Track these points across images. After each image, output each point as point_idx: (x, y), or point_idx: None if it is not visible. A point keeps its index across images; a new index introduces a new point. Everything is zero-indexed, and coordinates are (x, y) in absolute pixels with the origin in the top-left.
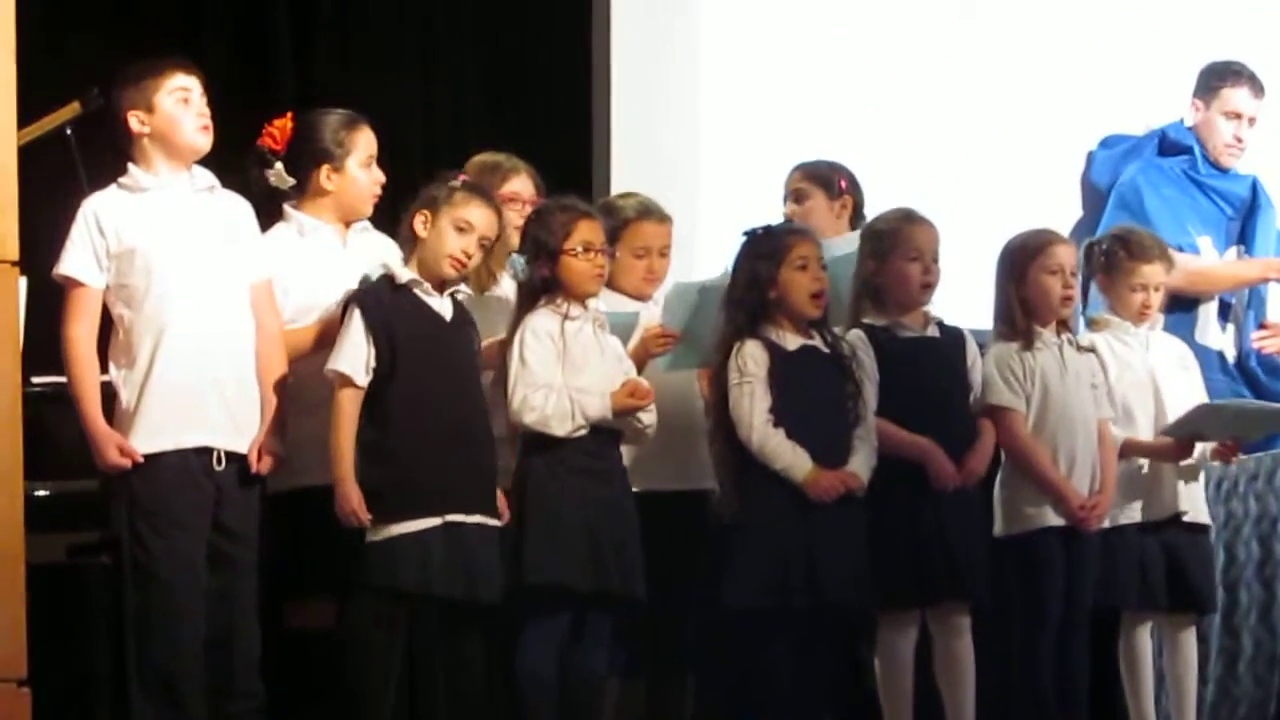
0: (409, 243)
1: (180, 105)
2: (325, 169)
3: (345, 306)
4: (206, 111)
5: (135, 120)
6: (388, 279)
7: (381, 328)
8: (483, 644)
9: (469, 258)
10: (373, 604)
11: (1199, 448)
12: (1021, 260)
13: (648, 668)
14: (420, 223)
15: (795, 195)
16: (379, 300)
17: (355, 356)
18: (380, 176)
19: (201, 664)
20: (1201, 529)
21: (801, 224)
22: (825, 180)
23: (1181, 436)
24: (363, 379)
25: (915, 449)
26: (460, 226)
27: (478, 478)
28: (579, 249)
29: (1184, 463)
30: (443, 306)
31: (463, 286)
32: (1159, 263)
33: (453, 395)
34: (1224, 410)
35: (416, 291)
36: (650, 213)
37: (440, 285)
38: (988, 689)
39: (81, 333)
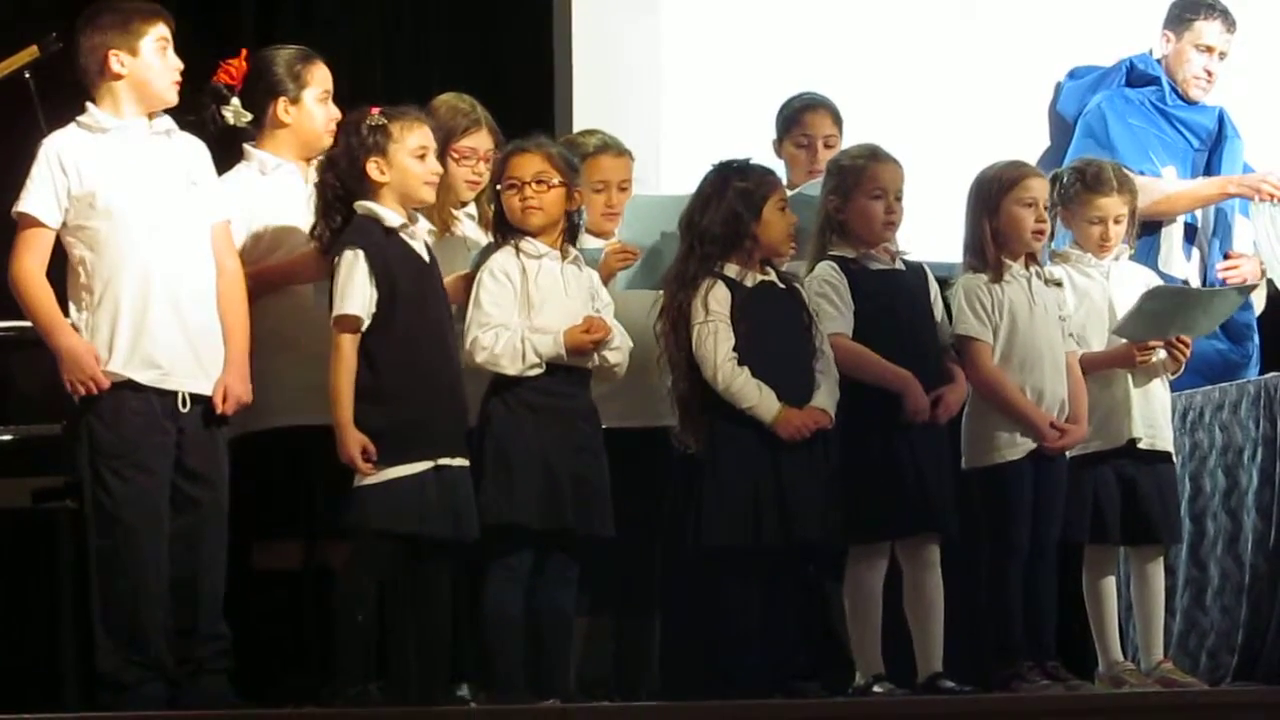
0: (363, 191)
1: (160, 55)
2: (282, 102)
3: (339, 251)
4: (180, 65)
5: (116, 61)
6: (377, 223)
7: (383, 272)
8: (450, 579)
9: (438, 174)
10: (373, 547)
11: (1155, 354)
12: (995, 192)
13: (615, 606)
14: (376, 170)
15: (828, 141)
16: (378, 244)
17: (362, 300)
18: (335, 113)
19: (166, 607)
20: (1162, 457)
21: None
22: (841, 122)
23: (1132, 338)
24: (366, 323)
25: (895, 380)
26: (419, 155)
27: (457, 420)
28: (501, 186)
29: (1140, 359)
30: (422, 249)
31: (426, 224)
32: (1117, 195)
33: (435, 339)
34: (1166, 296)
35: (403, 235)
36: (608, 147)
37: (412, 220)
38: (956, 621)
39: (33, 265)
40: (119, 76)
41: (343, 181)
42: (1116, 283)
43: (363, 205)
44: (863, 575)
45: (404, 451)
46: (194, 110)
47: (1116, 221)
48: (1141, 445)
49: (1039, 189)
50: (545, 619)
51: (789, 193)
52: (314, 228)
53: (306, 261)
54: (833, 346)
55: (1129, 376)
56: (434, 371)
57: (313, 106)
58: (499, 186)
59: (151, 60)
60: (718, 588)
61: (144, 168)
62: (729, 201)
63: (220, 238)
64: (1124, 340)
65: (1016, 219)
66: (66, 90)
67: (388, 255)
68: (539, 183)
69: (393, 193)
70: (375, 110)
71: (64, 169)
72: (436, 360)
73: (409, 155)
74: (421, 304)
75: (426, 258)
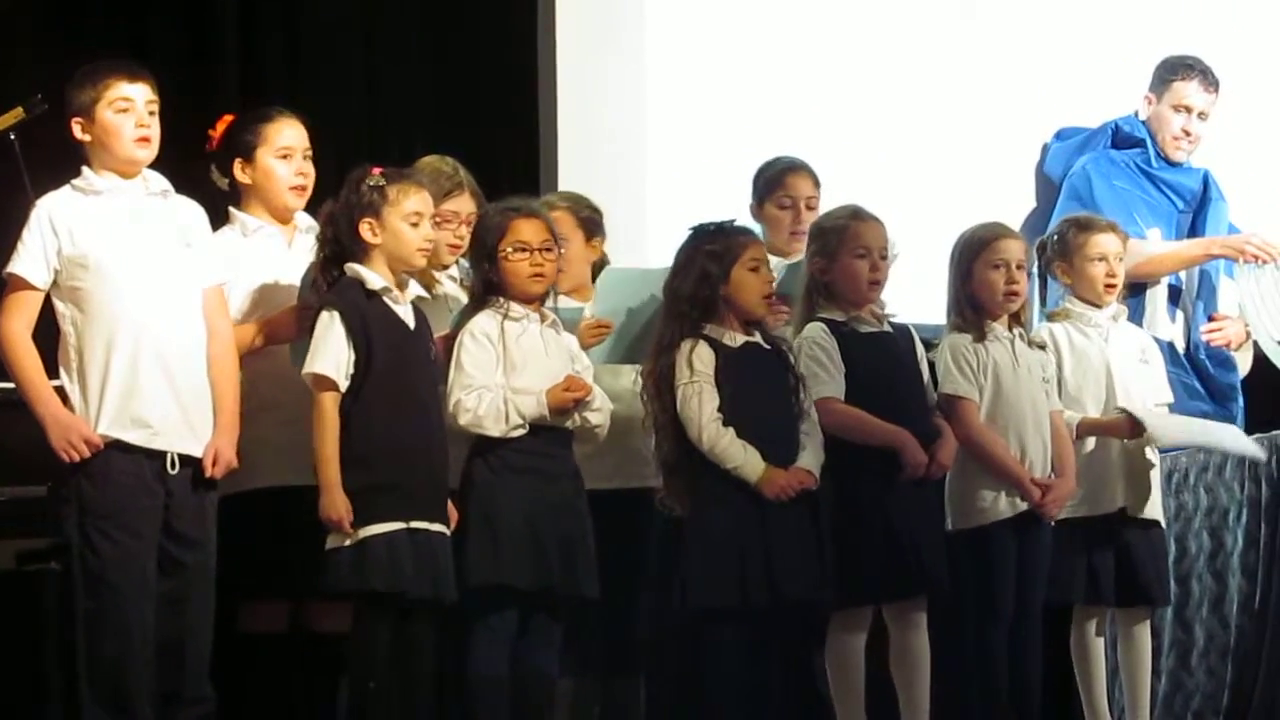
0: (356, 250)
1: (119, 115)
2: (238, 162)
3: (317, 311)
4: (148, 122)
5: (77, 127)
6: (358, 285)
7: (360, 333)
8: (433, 641)
9: (431, 241)
10: (371, 611)
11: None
12: (968, 254)
13: (600, 667)
14: (368, 231)
15: (809, 203)
16: (356, 306)
17: (336, 359)
18: (306, 169)
19: (152, 670)
20: (1152, 523)
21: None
22: (819, 185)
23: (1160, 443)
24: (343, 383)
25: (891, 437)
26: (412, 221)
27: (436, 487)
28: (510, 250)
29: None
30: (406, 314)
31: (421, 290)
32: (1112, 233)
33: (417, 403)
34: (1175, 423)
35: (386, 300)
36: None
37: (400, 286)
38: (942, 683)
39: (19, 327)
40: (86, 142)
41: (339, 238)
42: (1113, 345)
43: (351, 267)
44: (846, 640)
45: (374, 512)
46: (189, 174)
47: (1117, 259)
48: (1131, 513)
49: (1009, 250)
50: (528, 681)
51: (775, 259)
52: (314, 280)
53: (284, 320)
54: (826, 410)
55: (1121, 444)
56: (409, 436)
57: (269, 164)
58: (509, 249)
59: (110, 122)
60: (703, 649)
61: (137, 228)
62: (700, 264)
63: (213, 301)
64: (1122, 410)
65: (987, 281)
66: (54, 152)
67: (367, 318)
68: (546, 250)
69: (383, 255)
70: (377, 170)
71: (55, 230)
72: (413, 425)
73: (402, 219)
74: (400, 369)
75: (412, 323)
